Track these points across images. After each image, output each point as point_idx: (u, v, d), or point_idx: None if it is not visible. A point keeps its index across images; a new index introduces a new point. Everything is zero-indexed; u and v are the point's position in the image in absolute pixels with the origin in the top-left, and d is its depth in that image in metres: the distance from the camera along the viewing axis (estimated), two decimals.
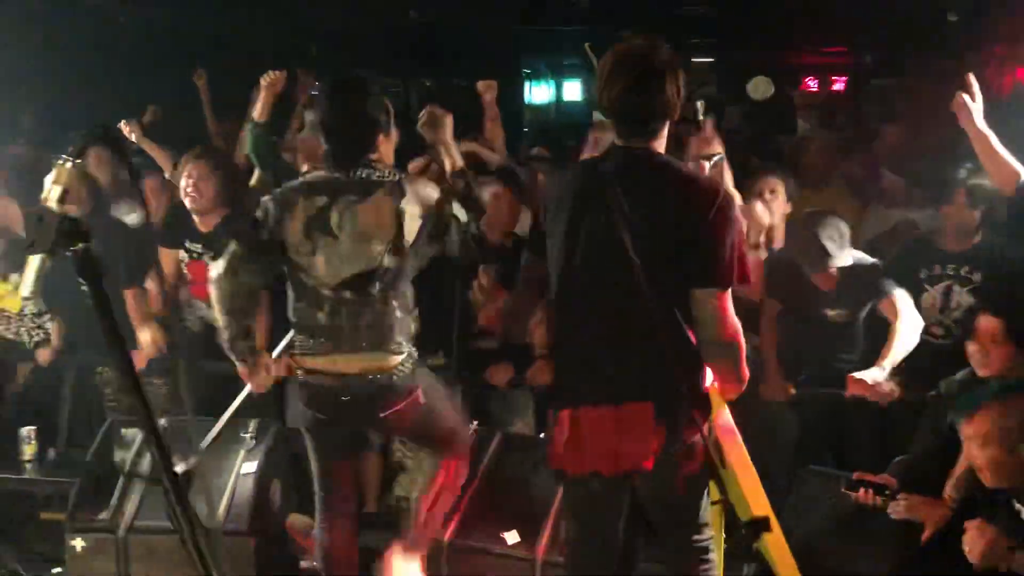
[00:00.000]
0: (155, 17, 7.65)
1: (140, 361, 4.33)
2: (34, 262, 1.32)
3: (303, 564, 4.09)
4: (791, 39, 9.81)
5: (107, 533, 3.80)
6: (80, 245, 1.32)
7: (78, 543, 3.81)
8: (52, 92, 6.77)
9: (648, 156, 2.49)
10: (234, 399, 4.37)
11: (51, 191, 1.34)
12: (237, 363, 3.24)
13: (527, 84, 13.93)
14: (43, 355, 4.64)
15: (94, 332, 4.35)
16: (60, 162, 1.35)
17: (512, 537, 3.39)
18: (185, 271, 4.39)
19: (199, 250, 4.30)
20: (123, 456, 4.16)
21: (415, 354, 3.13)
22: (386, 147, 3.10)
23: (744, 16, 9.09)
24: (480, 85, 5.00)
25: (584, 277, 2.52)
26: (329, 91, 3.18)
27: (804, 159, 5.11)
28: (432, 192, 3.07)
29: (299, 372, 3.14)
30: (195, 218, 4.28)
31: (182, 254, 4.36)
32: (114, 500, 3.90)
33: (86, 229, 1.33)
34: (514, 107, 12.87)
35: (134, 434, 4.16)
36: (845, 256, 3.81)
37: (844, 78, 10.08)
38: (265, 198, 3.10)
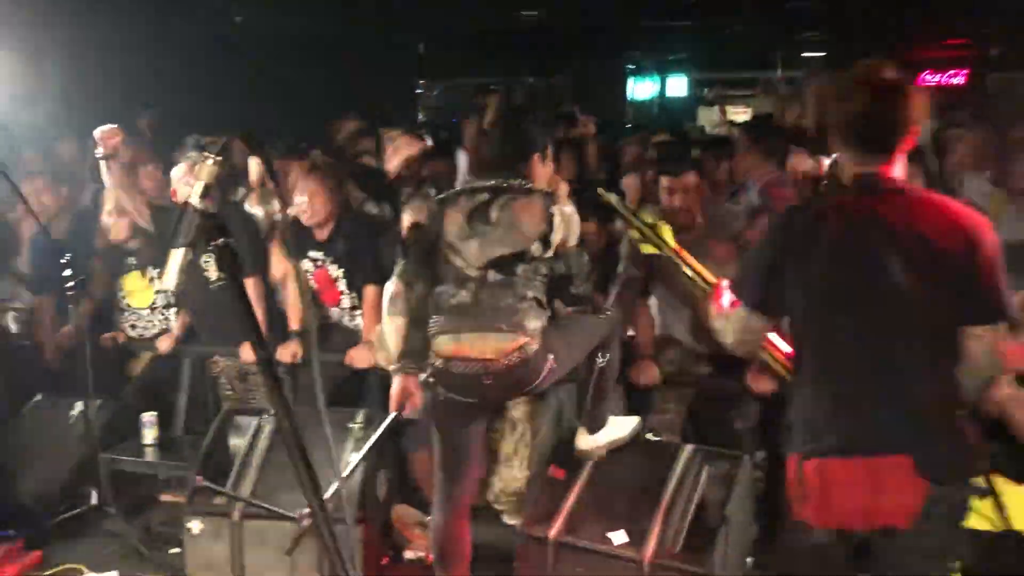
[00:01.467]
0: (267, 18, 7.88)
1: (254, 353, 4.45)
2: (177, 256, 1.36)
3: (407, 555, 4.16)
4: (907, 32, 9.47)
5: (223, 517, 3.93)
6: (220, 239, 1.36)
7: (196, 526, 3.95)
8: (166, 95, 7.03)
9: (902, 185, 2.37)
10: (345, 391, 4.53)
11: (194, 187, 1.38)
12: (399, 378, 3.37)
13: (630, 80, 13.81)
14: (164, 344, 4.83)
15: (212, 323, 4.53)
16: (203, 159, 1.40)
17: (619, 537, 3.36)
18: (311, 280, 4.52)
19: (321, 258, 4.43)
20: (237, 442, 4.30)
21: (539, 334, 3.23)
22: (540, 170, 3.29)
23: (855, 9, 8.81)
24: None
25: (842, 319, 2.37)
26: (497, 102, 3.40)
27: (954, 155, 4.90)
28: (576, 225, 3.30)
29: (434, 361, 3.24)
30: (313, 229, 4.44)
31: (307, 264, 4.48)
32: (230, 485, 4.03)
33: (225, 224, 1.37)
34: (617, 103, 12.80)
35: (248, 421, 4.31)
36: None
37: (964, 71, 9.66)
38: (429, 202, 3.36)
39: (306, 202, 4.35)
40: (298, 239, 4.51)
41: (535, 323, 3.16)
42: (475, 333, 3.15)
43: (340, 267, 4.43)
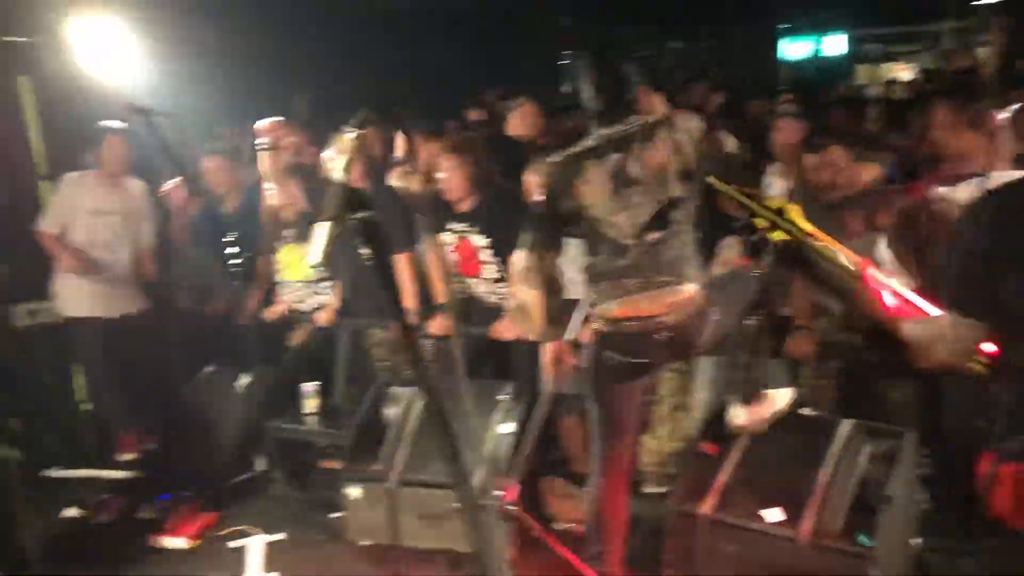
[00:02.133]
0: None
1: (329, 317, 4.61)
2: (321, 230, 1.39)
3: (558, 527, 4.18)
4: None
5: (379, 483, 4.07)
6: (362, 213, 1.38)
7: (353, 491, 4.10)
8: (322, 75, 7.24)
9: None
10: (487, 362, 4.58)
11: (336, 161, 1.41)
12: (549, 345, 3.38)
13: (782, 40, 13.25)
14: (322, 316, 5.02)
15: (367, 296, 4.66)
16: (344, 134, 1.43)
17: (774, 515, 3.25)
18: (452, 252, 4.59)
19: (462, 229, 4.48)
20: (392, 412, 4.44)
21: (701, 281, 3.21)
22: (652, 103, 3.30)
23: None
24: None
25: None
26: (594, 54, 3.30)
27: None
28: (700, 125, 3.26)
29: (599, 325, 3.24)
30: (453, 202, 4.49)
31: (448, 236, 4.55)
32: (385, 453, 4.17)
33: (368, 198, 1.39)
34: (768, 63, 12.31)
35: (401, 392, 4.43)
36: None
37: None
38: (546, 172, 3.26)
39: (448, 178, 4.38)
40: (438, 212, 4.57)
41: (698, 271, 3.17)
42: (643, 292, 3.15)
43: (486, 236, 4.45)
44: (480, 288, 4.61)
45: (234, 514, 4.45)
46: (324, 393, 4.87)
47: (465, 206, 4.46)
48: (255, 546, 4.15)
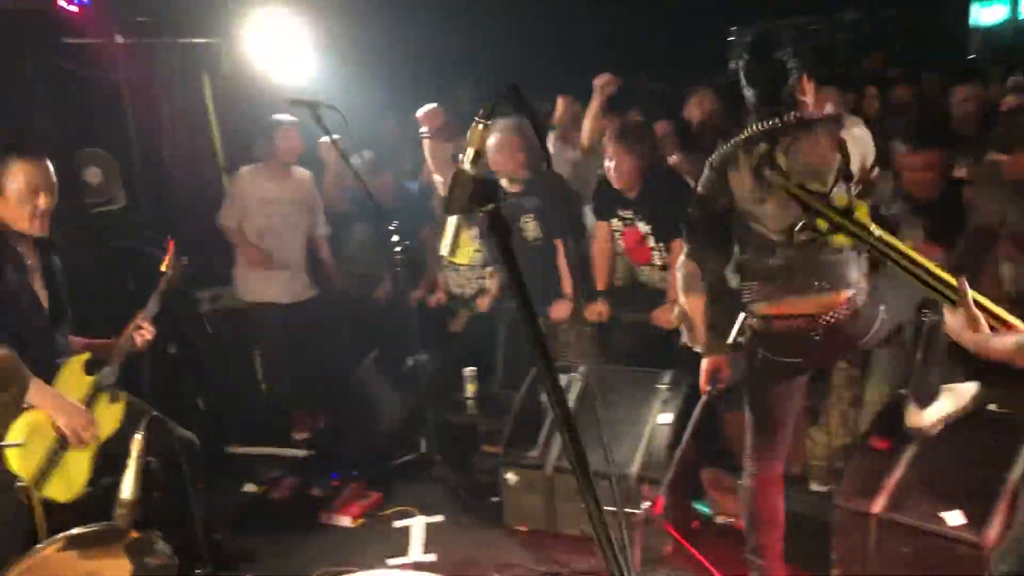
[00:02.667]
0: None
1: (563, 312, 4.59)
2: (452, 223, 1.37)
3: (718, 520, 4.06)
4: None
5: (536, 470, 4.08)
6: (490, 206, 1.35)
7: (511, 477, 4.14)
8: (481, 67, 7.30)
9: None
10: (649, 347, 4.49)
11: (465, 153, 1.39)
12: (708, 359, 3.28)
13: (975, 5, 12.27)
14: (482, 302, 5.08)
15: (528, 281, 4.67)
16: (473, 125, 1.40)
17: (954, 518, 3.01)
18: (619, 239, 4.52)
19: (630, 216, 4.41)
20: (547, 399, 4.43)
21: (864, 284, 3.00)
22: (814, 89, 3.03)
23: None
24: None
25: None
26: (749, 43, 3.17)
27: None
28: (870, 141, 2.97)
29: (752, 321, 3.12)
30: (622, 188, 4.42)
31: (615, 223, 4.49)
32: (541, 439, 4.18)
33: (496, 190, 1.36)
34: (957, 30, 11.43)
35: (562, 379, 4.41)
36: None
37: None
38: (705, 174, 3.15)
39: (614, 164, 4.33)
40: (606, 198, 4.51)
41: (857, 273, 2.96)
42: (795, 296, 2.99)
43: (648, 223, 4.37)
44: (648, 275, 4.54)
45: (397, 495, 4.57)
46: (484, 378, 4.95)
47: (632, 193, 4.39)
48: (417, 527, 4.25)
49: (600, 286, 4.60)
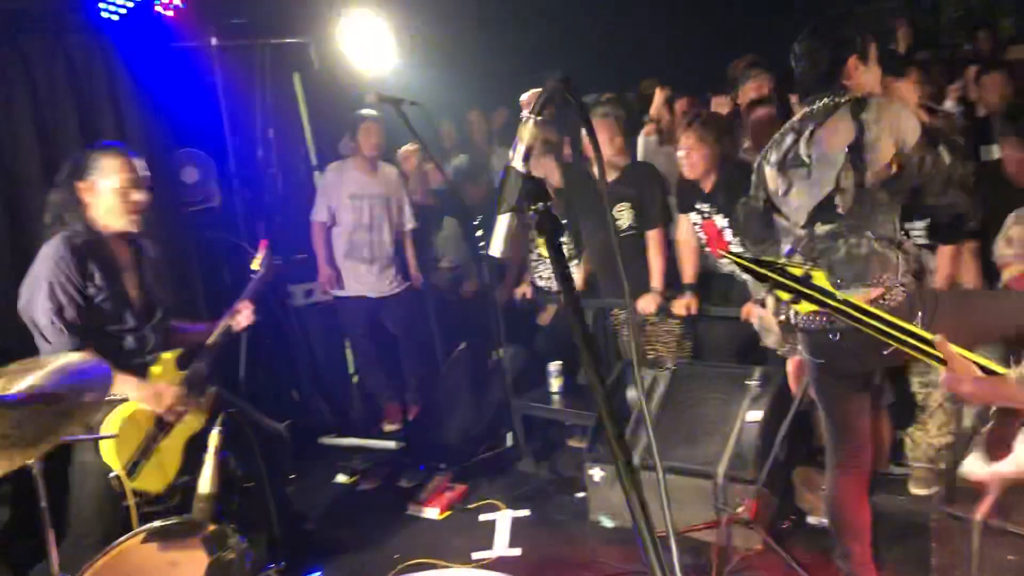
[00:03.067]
0: None
1: (652, 305, 4.50)
2: (503, 222, 1.34)
3: (810, 520, 3.92)
4: None
5: None
6: (540, 204, 1.31)
7: (596, 473, 4.09)
8: (570, 60, 7.23)
9: None
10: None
11: (515, 149, 1.35)
12: (789, 361, 3.22)
13: None
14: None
15: (612, 276, 4.61)
16: (525, 120, 1.36)
17: None
18: (699, 232, 4.43)
19: (707, 210, 4.31)
20: (634, 395, 4.37)
21: (908, 286, 2.77)
22: (862, 76, 2.82)
23: None
24: None
25: None
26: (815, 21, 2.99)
27: None
28: (910, 121, 2.71)
29: (791, 317, 2.99)
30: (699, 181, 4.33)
31: (694, 216, 4.39)
32: (627, 435, 4.11)
33: (545, 189, 1.32)
34: None
35: (645, 376, 4.35)
36: None
37: None
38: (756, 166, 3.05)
39: (685, 155, 4.23)
40: (685, 191, 4.42)
41: (892, 271, 2.73)
42: None
43: (725, 216, 4.25)
44: (728, 267, 4.42)
45: (483, 488, 4.58)
46: (570, 372, 4.91)
47: (707, 186, 4.28)
48: (502, 521, 4.25)
49: (687, 279, 4.50)
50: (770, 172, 2.90)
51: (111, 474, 3.16)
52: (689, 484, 3.81)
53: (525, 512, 4.31)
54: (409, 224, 5.43)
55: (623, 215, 4.57)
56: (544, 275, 5.23)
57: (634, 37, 7.07)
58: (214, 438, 2.02)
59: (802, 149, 2.80)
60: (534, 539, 4.08)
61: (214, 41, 5.20)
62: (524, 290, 5.19)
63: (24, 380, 2.10)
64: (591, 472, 4.11)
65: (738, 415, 3.93)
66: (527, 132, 1.38)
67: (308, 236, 5.40)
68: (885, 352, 2.72)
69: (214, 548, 1.99)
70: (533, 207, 1.32)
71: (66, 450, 3.37)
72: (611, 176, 4.56)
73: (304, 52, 5.49)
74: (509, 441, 4.88)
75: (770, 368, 4.01)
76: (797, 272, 1.85)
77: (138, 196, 3.31)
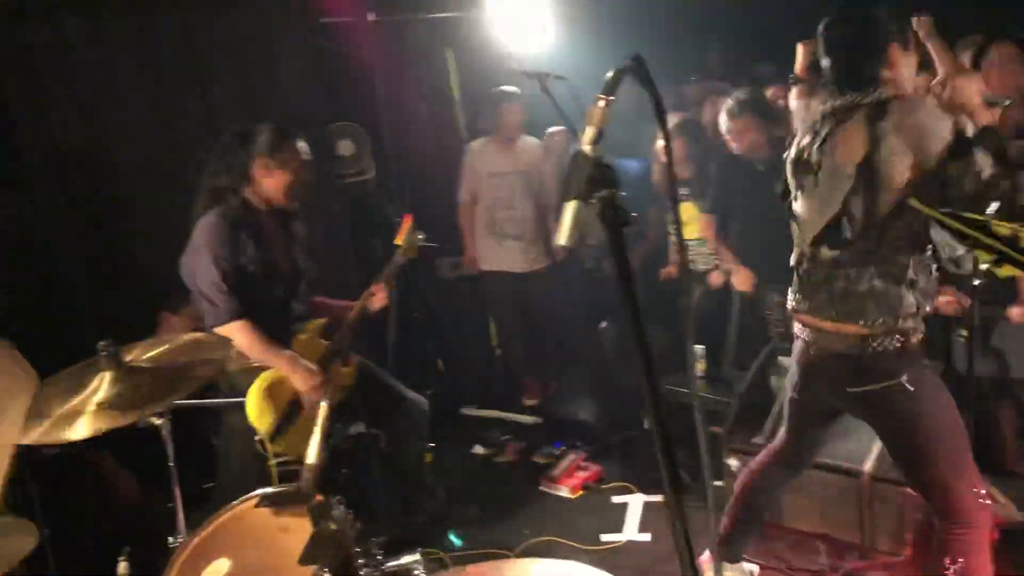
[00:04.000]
0: None
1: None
2: (570, 208, 1.27)
3: None
4: None
5: None
6: (605, 191, 1.23)
7: (733, 462, 3.94)
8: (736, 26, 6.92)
9: None
10: None
11: (586, 132, 1.27)
12: None
13: None
14: (715, 278, 4.86)
15: (763, 258, 4.41)
16: (594, 102, 1.28)
17: None
18: None
19: None
20: (779, 384, 4.17)
21: (909, 333, 2.50)
22: (904, 63, 2.49)
23: None
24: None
25: None
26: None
27: None
28: (938, 130, 2.34)
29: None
30: None
31: None
32: (768, 426, 3.94)
33: (615, 175, 1.24)
34: None
35: (791, 362, 4.14)
36: None
37: None
38: None
39: (735, 137, 4.09)
40: None
41: (884, 311, 2.46)
42: (810, 316, 2.67)
43: None
44: None
45: (617, 470, 4.52)
46: (714, 356, 4.75)
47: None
48: (634, 505, 4.19)
49: None
50: (788, 168, 2.67)
51: (256, 437, 3.34)
52: (832, 481, 3.62)
53: (659, 497, 4.22)
54: (552, 198, 5.38)
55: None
56: (692, 255, 5.06)
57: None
58: (322, 410, 2.07)
59: (814, 153, 2.52)
60: (667, 525, 3.97)
61: (371, 16, 5.31)
62: (670, 270, 5.04)
63: (155, 350, 2.23)
64: (728, 461, 3.97)
65: None
66: (597, 114, 1.30)
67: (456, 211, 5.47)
68: (849, 390, 2.62)
69: (319, 518, 2.05)
70: (598, 195, 1.25)
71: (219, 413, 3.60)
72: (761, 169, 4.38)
73: (458, 27, 5.53)
74: (648, 424, 4.77)
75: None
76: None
77: (305, 179, 3.49)
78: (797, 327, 2.80)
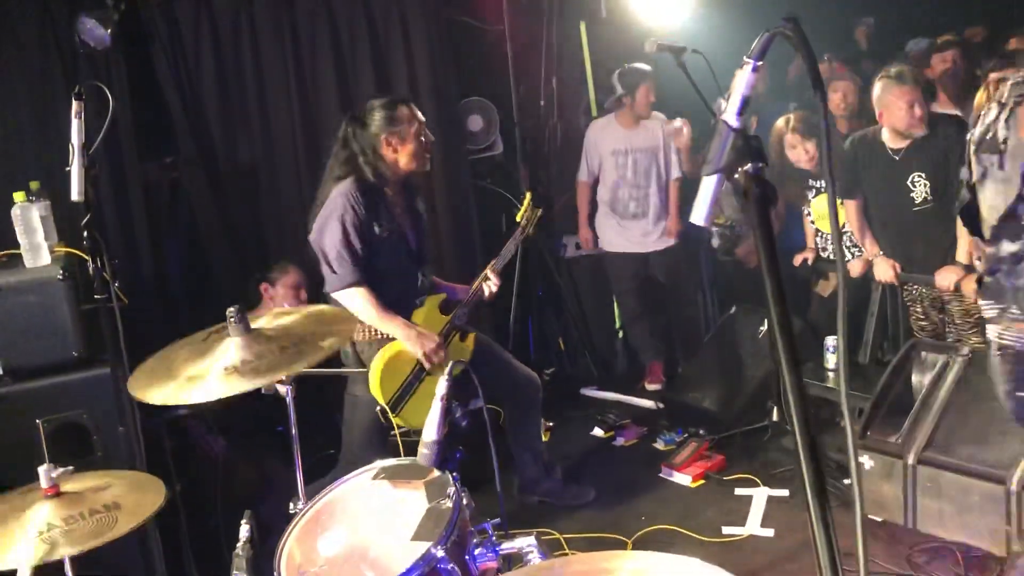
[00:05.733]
0: None
1: (950, 280, 4.03)
2: (709, 183, 1.17)
3: None
4: None
5: (895, 458, 3.65)
6: (749, 165, 1.12)
7: (866, 461, 3.74)
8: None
9: None
10: None
11: (730, 100, 1.16)
12: None
13: None
14: (854, 266, 4.61)
15: (909, 247, 4.15)
16: (742, 66, 1.16)
17: None
18: None
19: None
20: (921, 380, 3.92)
21: None
22: None
23: None
24: None
25: None
26: None
27: None
28: None
29: None
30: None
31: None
32: (906, 425, 3.72)
33: (762, 148, 1.12)
34: None
35: (935, 358, 3.90)
36: None
37: None
38: None
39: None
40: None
41: None
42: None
43: None
44: None
45: (741, 461, 4.37)
46: (853, 348, 4.52)
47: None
48: (758, 498, 4.04)
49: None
50: (970, 149, 2.45)
51: (378, 407, 3.39)
52: (974, 487, 3.38)
53: (783, 492, 4.07)
54: (675, 173, 5.21)
55: (917, 187, 4.10)
56: (827, 247, 4.82)
57: None
58: (441, 385, 2.04)
59: (1000, 129, 2.30)
60: (790, 522, 3.84)
61: None
62: (806, 255, 4.81)
63: (281, 320, 2.26)
64: (861, 460, 3.76)
65: None
66: (744, 80, 1.18)
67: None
68: None
69: (433, 495, 2.03)
70: (744, 169, 1.14)
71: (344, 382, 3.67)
72: (899, 145, 4.10)
73: (592, 0, 5.41)
74: (775, 416, 4.59)
75: None
76: None
77: (431, 137, 3.54)
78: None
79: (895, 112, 4.01)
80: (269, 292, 4.13)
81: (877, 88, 4.09)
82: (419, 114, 3.50)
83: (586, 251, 5.53)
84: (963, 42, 5.30)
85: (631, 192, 5.16)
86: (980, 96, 3.67)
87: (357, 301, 3.34)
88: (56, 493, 1.99)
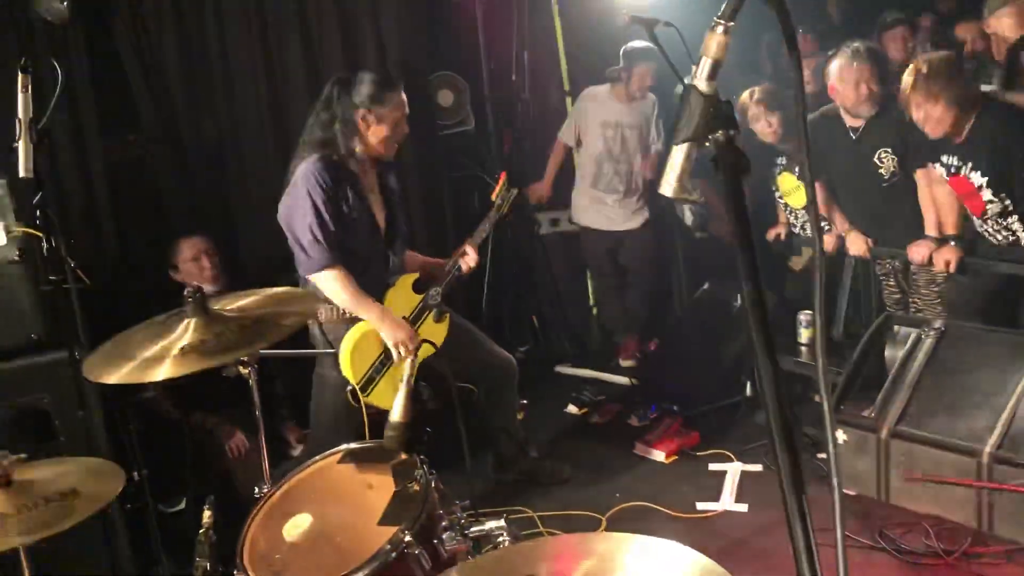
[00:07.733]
0: None
1: (924, 254, 4.02)
2: (677, 154, 1.12)
3: None
4: None
5: (869, 432, 3.66)
6: (721, 132, 1.07)
7: (840, 435, 3.75)
8: None
9: None
10: None
11: (700, 65, 1.11)
12: None
13: None
14: (827, 243, 4.59)
15: (879, 220, 4.14)
16: (710, 29, 1.11)
17: None
18: (947, 186, 3.87)
19: (956, 163, 3.74)
20: (893, 354, 3.92)
21: None
22: None
23: None
24: None
25: None
26: None
27: None
28: None
29: None
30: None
31: (939, 168, 3.82)
32: (879, 399, 3.72)
33: (731, 112, 1.07)
34: None
35: (907, 332, 3.90)
36: None
37: None
38: None
39: (923, 116, 3.68)
40: (930, 140, 3.82)
41: None
42: None
43: (983, 174, 3.67)
44: (979, 225, 3.85)
45: (715, 437, 4.36)
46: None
47: (960, 137, 3.70)
48: (732, 473, 4.03)
49: (948, 229, 3.97)
50: None
51: (348, 388, 3.33)
52: (946, 460, 3.40)
53: (757, 467, 4.07)
54: (655, 146, 5.17)
55: (885, 162, 4.09)
56: (796, 222, 4.81)
57: None
58: (407, 366, 1.99)
59: None
60: (764, 496, 3.83)
61: None
62: (779, 230, 4.79)
63: (242, 300, 2.20)
64: (836, 433, 3.76)
65: (1014, 387, 3.41)
66: (715, 43, 1.13)
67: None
68: None
69: (401, 477, 1.98)
70: (714, 136, 1.09)
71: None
72: (855, 124, 4.12)
73: None
74: (748, 391, 4.59)
75: None
76: None
77: (406, 129, 3.44)
78: None
79: (842, 90, 4.03)
80: (179, 277, 4.01)
81: (832, 65, 4.09)
82: (405, 104, 3.39)
83: (560, 228, 5.48)
84: (912, 23, 5.29)
85: (615, 167, 5.11)
86: (906, 79, 3.69)
87: (331, 284, 3.25)
88: (7, 482, 1.92)
